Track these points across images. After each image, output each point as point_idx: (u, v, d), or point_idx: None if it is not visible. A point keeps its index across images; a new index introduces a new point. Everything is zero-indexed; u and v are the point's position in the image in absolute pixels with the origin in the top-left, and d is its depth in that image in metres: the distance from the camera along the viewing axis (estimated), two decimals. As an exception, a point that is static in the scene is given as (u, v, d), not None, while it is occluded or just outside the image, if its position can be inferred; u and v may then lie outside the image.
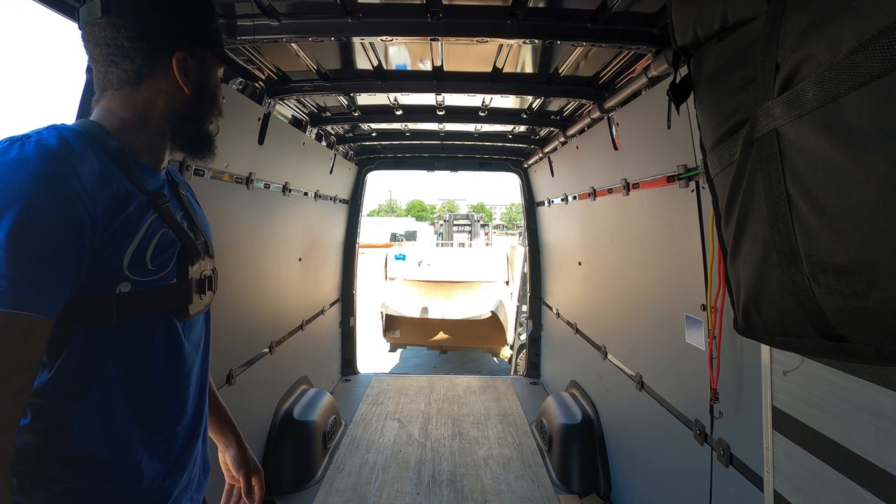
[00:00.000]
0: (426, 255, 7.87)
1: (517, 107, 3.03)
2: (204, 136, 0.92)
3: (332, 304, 4.38)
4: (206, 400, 0.98)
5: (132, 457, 0.80)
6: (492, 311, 6.30)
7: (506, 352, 6.91)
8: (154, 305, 0.82)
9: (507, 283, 7.52)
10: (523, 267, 5.21)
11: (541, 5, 1.70)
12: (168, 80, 0.85)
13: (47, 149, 0.70)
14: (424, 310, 6.53)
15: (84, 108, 1.27)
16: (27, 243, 0.66)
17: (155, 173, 0.88)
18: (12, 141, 0.70)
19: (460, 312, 6.57)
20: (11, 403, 0.67)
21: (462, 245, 13.48)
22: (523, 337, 5.35)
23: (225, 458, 1.13)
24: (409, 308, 6.62)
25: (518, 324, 6.40)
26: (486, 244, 14.35)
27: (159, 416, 0.85)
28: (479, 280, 7.39)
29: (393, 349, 7.44)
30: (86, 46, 0.84)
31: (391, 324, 6.70)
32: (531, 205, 4.77)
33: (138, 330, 0.81)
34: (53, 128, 0.75)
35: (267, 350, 2.71)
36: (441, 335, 6.67)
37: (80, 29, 0.85)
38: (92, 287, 0.75)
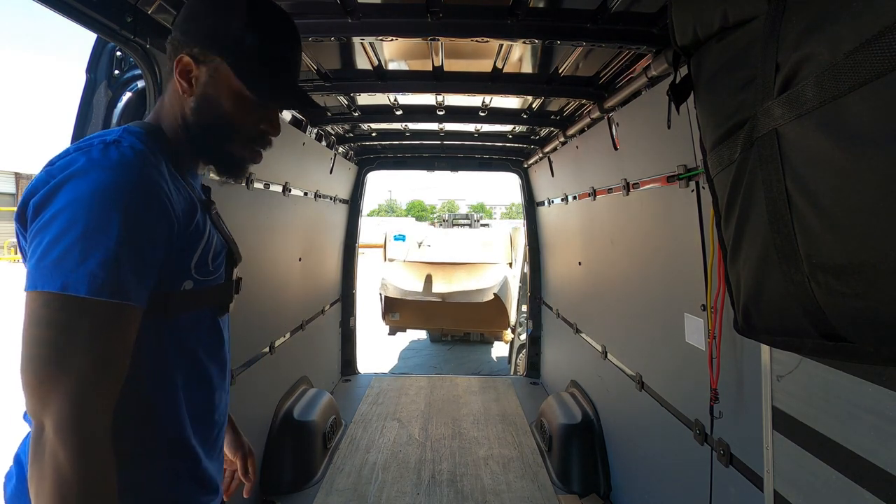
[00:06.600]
0: (427, 236, 7.55)
1: (517, 107, 3.02)
2: (224, 155, 0.89)
3: (332, 304, 4.38)
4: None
5: (190, 441, 0.85)
6: (494, 294, 6.11)
7: (508, 335, 6.74)
8: (206, 302, 0.87)
9: (511, 264, 7.29)
10: (525, 251, 5.10)
11: (541, 5, 1.70)
12: (177, 83, 0.84)
13: (141, 153, 0.74)
14: (425, 291, 6.37)
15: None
16: (133, 241, 0.70)
17: (197, 179, 0.92)
18: (105, 143, 0.73)
19: (462, 295, 6.32)
20: (116, 385, 0.71)
21: None
22: (523, 337, 5.33)
23: None
24: (409, 290, 6.39)
25: (518, 323, 6.35)
26: None
27: (206, 404, 0.89)
28: (481, 261, 7.10)
29: (392, 332, 7.17)
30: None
31: (390, 306, 6.46)
32: (531, 205, 4.76)
33: (189, 324, 0.85)
34: (128, 130, 0.78)
35: (267, 350, 2.71)
36: (442, 318, 6.44)
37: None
38: (163, 283, 0.78)
